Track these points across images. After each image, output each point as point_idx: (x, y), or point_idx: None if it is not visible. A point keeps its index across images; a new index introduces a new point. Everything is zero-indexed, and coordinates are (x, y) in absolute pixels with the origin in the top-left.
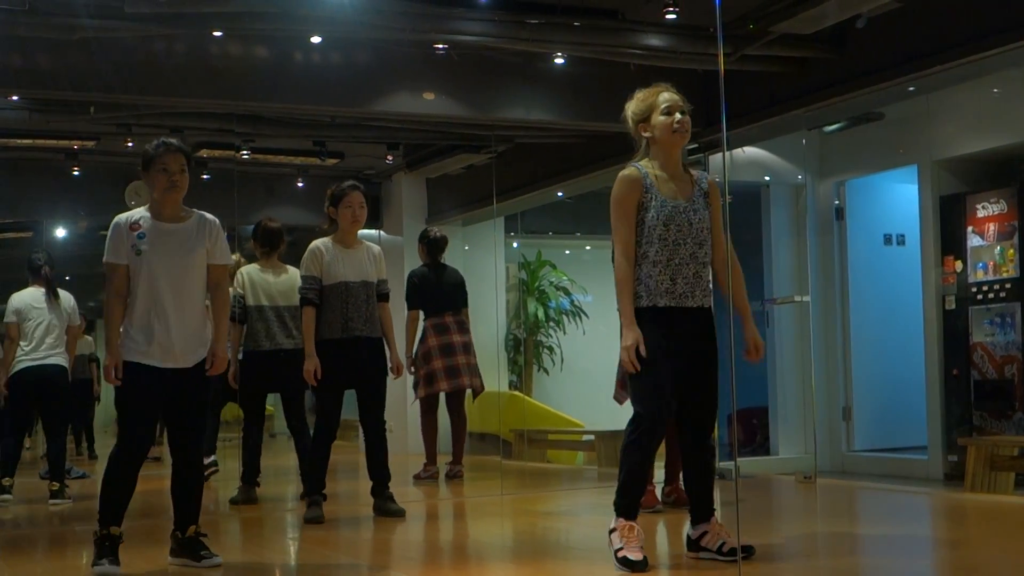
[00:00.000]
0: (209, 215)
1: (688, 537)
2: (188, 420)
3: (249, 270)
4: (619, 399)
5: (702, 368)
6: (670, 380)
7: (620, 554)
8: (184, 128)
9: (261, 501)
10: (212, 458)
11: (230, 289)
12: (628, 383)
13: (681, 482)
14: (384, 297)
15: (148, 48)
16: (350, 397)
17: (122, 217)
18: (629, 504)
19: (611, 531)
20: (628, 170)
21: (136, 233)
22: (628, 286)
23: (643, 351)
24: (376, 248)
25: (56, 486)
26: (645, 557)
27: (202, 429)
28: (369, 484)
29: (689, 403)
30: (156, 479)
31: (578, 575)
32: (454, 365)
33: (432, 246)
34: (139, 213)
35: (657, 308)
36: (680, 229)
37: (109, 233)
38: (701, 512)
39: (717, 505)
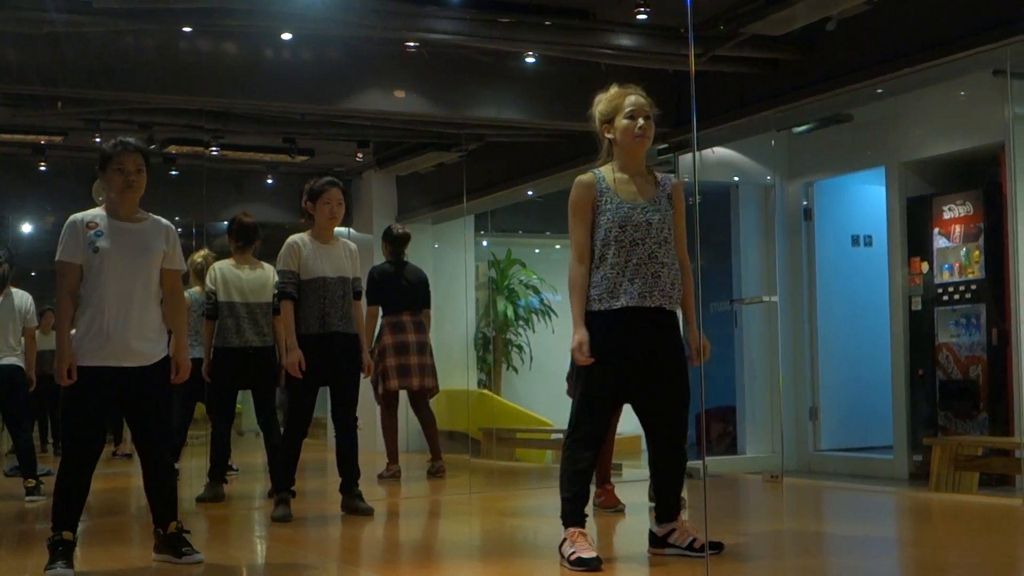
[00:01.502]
0: (165, 220)
1: (652, 534)
2: (151, 418)
3: (221, 266)
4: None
5: (668, 371)
6: (612, 392)
7: (573, 557)
8: (153, 124)
9: (228, 499)
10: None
11: (206, 284)
12: (573, 388)
13: None
14: (358, 295)
15: (117, 44)
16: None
17: (77, 216)
18: (575, 512)
19: (561, 542)
20: (584, 175)
21: (93, 231)
22: (578, 289)
23: (585, 351)
24: (352, 245)
25: (32, 483)
26: (598, 555)
27: (167, 425)
28: (337, 482)
29: (659, 407)
30: (126, 476)
31: (546, 574)
32: (406, 364)
33: (395, 242)
34: (95, 212)
35: (614, 311)
36: (638, 229)
37: (64, 232)
38: (668, 512)
39: (685, 505)
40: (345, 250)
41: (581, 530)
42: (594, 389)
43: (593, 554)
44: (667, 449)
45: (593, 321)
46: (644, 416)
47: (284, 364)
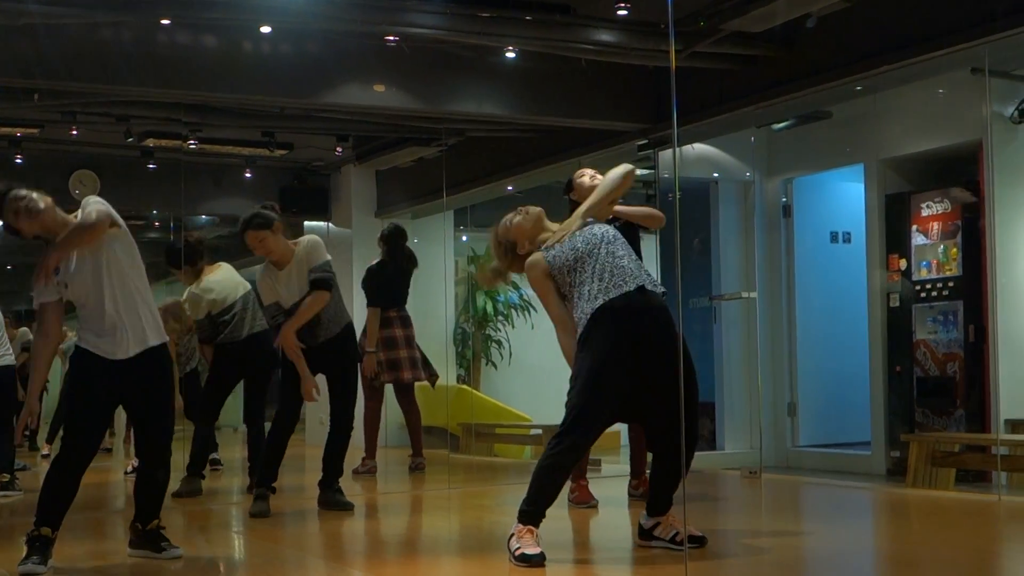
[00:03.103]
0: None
1: (641, 526)
2: (155, 414)
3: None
4: None
5: (664, 360)
6: (609, 404)
7: (518, 552)
8: (131, 117)
9: (206, 494)
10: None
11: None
12: (569, 395)
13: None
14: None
15: (95, 35)
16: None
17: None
18: (535, 514)
19: (509, 537)
20: (533, 256)
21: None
22: (571, 351)
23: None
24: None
25: (7, 478)
26: (542, 552)
27: (171, 422)
28: (315, 478)
29: (662, 398)
30: (105, 471)
31: (523, 570)
32: (395, 358)
33: (383, 239)
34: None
35: (604, 307)
36: (587, 243)
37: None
38: (659, 506)
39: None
40: None
41: (531, 527)
42: (592, 398)
43: (538, 550)
44: (668, 443)
45: (594, 320)
46: (651, 419)
47: None
